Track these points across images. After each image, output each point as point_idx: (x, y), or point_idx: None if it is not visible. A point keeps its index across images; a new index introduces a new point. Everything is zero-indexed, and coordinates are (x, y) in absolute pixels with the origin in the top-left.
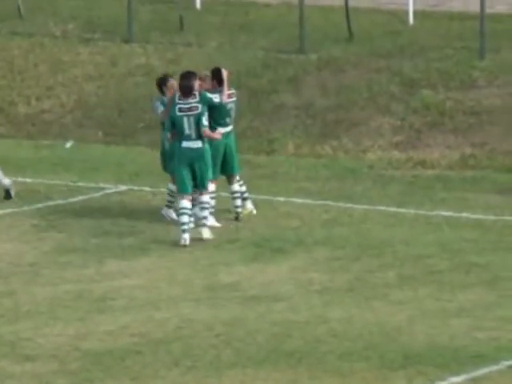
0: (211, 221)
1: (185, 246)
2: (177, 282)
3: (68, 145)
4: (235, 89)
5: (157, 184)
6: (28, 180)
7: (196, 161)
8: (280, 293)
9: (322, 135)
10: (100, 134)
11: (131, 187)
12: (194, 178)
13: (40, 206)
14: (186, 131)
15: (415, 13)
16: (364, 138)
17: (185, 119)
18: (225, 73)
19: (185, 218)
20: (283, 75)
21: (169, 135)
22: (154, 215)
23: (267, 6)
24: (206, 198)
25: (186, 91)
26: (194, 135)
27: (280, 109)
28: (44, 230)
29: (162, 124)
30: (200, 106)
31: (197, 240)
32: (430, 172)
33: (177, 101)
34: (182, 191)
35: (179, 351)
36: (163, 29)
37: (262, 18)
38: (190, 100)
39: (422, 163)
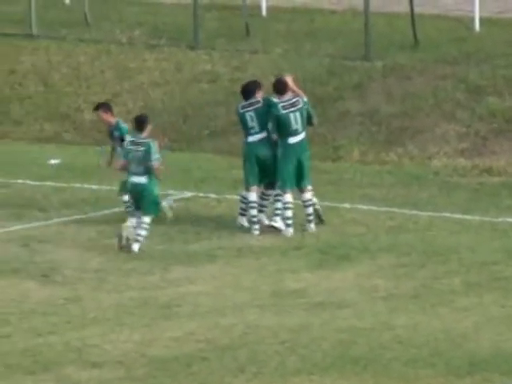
0: (280, 223)
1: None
2: (243, 289)
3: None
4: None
5: (222, 190)
6: (93, 187)
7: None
8: (345, 299)
9: (388, 142)
10: (166, 140)
11: (197, 194)
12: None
13: (106, 212)
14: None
15: (481, 19)
16: (429, 145)
17: (291, 115)
18: (289, 79)
19: (289, 213)
20: (348, 82)
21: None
22: (219, 222)
23: (333, 12)
24: (308, 195)
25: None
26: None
27: (345, 116)
28: (110, 237)
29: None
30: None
31: (262, 247)
32: (495, 179)
33: (276, 101)
34: (286, 186)
35: (245, 357)
36: (229, 36)
37: (328, 25)
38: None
39: (488, 170)
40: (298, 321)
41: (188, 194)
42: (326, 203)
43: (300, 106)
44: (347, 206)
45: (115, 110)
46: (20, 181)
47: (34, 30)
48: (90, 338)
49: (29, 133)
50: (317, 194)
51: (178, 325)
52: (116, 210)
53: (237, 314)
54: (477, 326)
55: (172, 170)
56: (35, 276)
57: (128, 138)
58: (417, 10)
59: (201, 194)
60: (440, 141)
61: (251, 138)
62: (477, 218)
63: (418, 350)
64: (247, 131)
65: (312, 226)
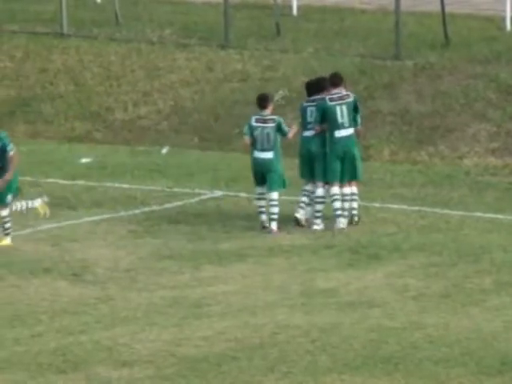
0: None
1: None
2: (273, 288)
3: (164, 150)
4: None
5: (252, 190)
6: (124, 186)
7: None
8: (376, 299)
9: (418, 141)
10: (196, 139)
11: (227, 193)
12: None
13: (136, 211)
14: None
15: None
16: (460, 145)
17: (337, 108)
18: None
19: (338, 204)
20: (379, 81)
21: (318, 127)
22: (250, 221)
23: (363, 12)
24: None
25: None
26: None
27: (376, 115)
28: (140, 236)
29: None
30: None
31: (293, 246)
32: None
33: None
34: (332, 179)
35: (275, 357)
36: (260, 35)
37: (358, 24)
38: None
39: None
40: (329, 320)
41: (218, 193)
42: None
43: (349, 100)
44: (378, 205)
45: (145, 109)
46: (51, 180)
47: (65, 29)
48: (121, 337)
49: (60, 132)
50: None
51: (208, 324)
52: (146, 209)
53: (267, 314)
54: (508, 326)
55: (202, 169)
56: (66, 275)
57: (253, 116)
58: (448, 9)
59: (231, 194)
60: (471, 140)
61: (306, 133)
62: (508, 217)
63: (449, 349)
64: (305, 126)
65: (343, 220)
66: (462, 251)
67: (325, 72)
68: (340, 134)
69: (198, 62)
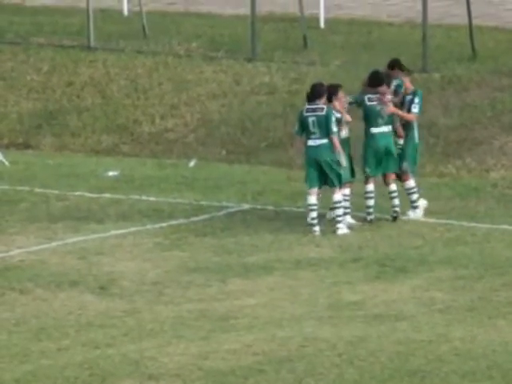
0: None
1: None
2: (300, 301)
3: (191, 163)
4: (358, 107)
5: (280, 203)
6: (152, 199)
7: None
8: (403, 312)
9: (445, 154)
10: (223, 152)
11: (254, 206)
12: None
13: (163, 224)
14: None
15: None
16: (487, 157)
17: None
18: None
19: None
20: None
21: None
22: (277, 234)
23: (390, 24)
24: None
25: None
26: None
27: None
28: (167, 249)
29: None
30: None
31: (320, 259)
32: None
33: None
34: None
35: (302, 370)
36: (287, 48)
37: (385, 37)
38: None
39: None
40: (356, 333)
41: (246, 207)
42: (383, 215)
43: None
44: (405, 218)
45: (172, 121)
46: (78, 193)
47: (92, 42)
48: (148, 350)
49: (87, 145)
50: (374, 205)
51: (235, 337)
52: (173, 222)
53: (294, 327)
54: None
55: (229, 182)
56: (93, 288)
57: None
58: (475, 21)
59: (258, 207)
60: (498, 153)
61: (375, 130)
62: None
63: (476, 362)
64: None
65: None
66: (489, 264)
67: (352, 85)
68: (377, 130)
69: (225, 75)
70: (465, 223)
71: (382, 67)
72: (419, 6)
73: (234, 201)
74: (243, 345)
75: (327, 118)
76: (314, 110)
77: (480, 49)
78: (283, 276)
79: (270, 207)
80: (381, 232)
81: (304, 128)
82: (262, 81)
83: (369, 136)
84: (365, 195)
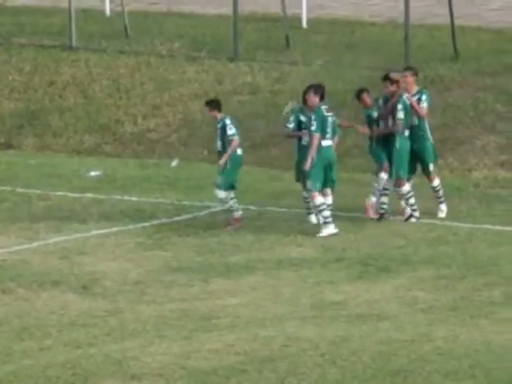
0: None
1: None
2: (282, 301)
3: (173, 163)
4: (341, 107)
5: (262, 203)
6: (133, 198)
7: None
8: (385, 311)
9: None
10: (205, 152)
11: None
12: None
13: (146, 224)
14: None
15: None
16: (470, 157)
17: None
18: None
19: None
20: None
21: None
22: (259, 234)
23: (372, 24)
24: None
25: None
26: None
27: None
28: (149, 249)
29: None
30: None
31: (302, 259)
32: None
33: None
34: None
35: (285, 370)
36: (269, 47)
37: (368, 37)
38: None
39: None
40: (339, 333)
41: (228, 206)
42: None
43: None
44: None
45: (154, 121)
46: (60, 193)
47: (74, 42)
48: (130, 350)
49: (69, 145)
50: (357, 205)
51: (217, 337)
52: (155, 222)
53: (276, 326)
54: None
55: (212, 182)
56: (75, 288)
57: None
58: (457, 21)
59: (241, 206)
60: (480, 153)
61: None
62: None
63: (458, 361)
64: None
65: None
66: (471, 264)
67: (334, 84)
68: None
69: (207, 75)
70: (447, 223)
71: (364, 67)
72: (401, 6)
73: (216, 200)
74: (225, 344)
75: (335, 120)
76: (329, 111)
77: (462, 49)
78: (265, 276)
79: (253, 207)
80: (364, 232)
81: (323, 128)
82: (244, 80)
83: (397, 140)
84: (406, 195)
